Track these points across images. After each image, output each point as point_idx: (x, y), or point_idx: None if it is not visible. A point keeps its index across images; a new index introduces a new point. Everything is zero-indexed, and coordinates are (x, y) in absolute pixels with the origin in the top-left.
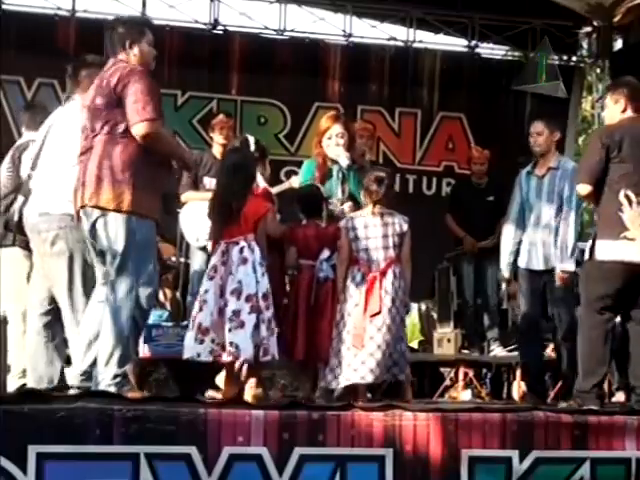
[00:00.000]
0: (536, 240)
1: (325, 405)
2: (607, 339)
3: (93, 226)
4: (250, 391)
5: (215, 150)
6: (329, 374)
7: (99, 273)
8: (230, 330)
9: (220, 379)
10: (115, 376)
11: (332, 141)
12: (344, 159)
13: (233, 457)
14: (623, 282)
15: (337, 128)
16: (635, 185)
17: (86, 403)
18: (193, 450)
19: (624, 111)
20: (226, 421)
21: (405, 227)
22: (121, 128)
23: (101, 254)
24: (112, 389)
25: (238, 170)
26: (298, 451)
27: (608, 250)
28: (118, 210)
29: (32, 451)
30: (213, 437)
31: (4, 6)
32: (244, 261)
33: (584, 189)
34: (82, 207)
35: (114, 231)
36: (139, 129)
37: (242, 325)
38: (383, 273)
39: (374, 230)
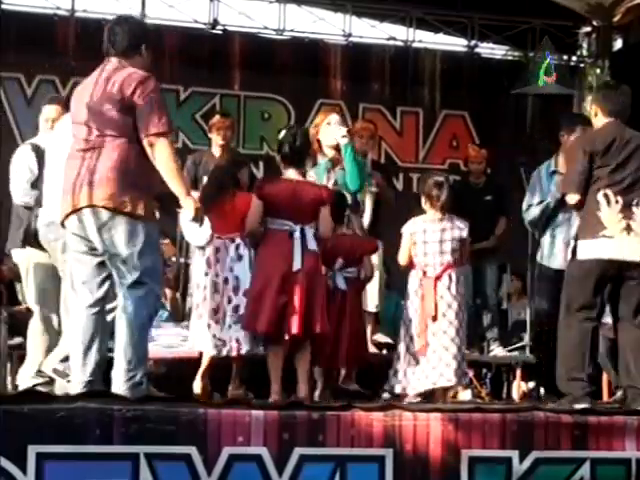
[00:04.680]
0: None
1: (325, 405)
2: (587, 339)
3: (99, 228)
4: (231, 391)
5: (214, 150)
6: (393, 379)
7: (89, 275)
8: (230, 326)
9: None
10: (144, 375)
11: (331, 126)
12: (343, 132)
13: (233, 457)
14: (604, 280)
15: (336, 116)
16: (615, 185)
17: (86, 403)
18: (193, 450)
19: (595, 116)
20: (226, 421)
21: (465, 233)
22: (136, 132)
23: (102, 255)
24: (143, 387)
25: (220, 171)
26: (298, 451)
27: (588, 249)
28: (133, 213)
29: (32, 451)
30: (213, 437)
31: (4, 6)
32: (239, 258)
33: (572, 199)
34: (85, 207)
35: (128, 233)
36: (150, 141)
37: (241, 320)
38: (438, 278)
39: (432, 235)
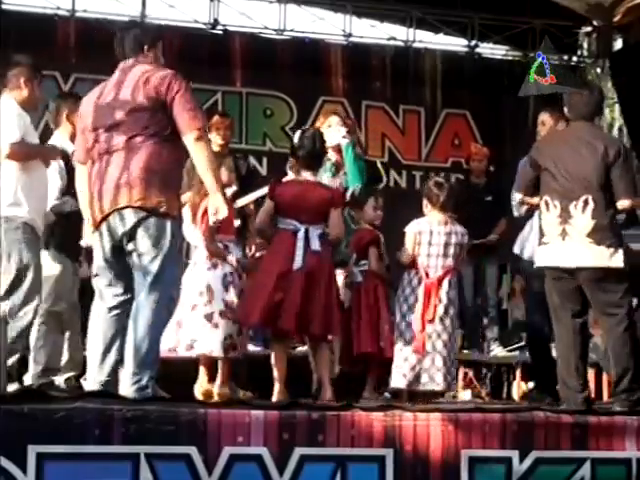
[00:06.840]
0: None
1: (325, 405)
2: (573, 341)
3: (135, 227)
4: (217, 389)
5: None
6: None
7: (116, 277)
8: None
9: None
10: (150, 379)
11: (332, 128)
12: (343, 132)
13: (233, 457)
14: (559, 284)
15: (336, 118)
16: (556, 190)
17: (86, 403)
18: (193, 450)
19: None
20: (226, 421)
21: (465, 239)
22: (168, 132)
23: (130, 255)
24: (149, 390)
25: None
26: (298, 451)
27: (537, 256)
28: (166, 213)
29: (32, 451)
30: (213, 437)
31: (4, 6)
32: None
33: (515, 198)
34: (123, 208)
35: (159, 233)
36: (197, 136)
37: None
38: (440, 281)
39: (438, 238)
